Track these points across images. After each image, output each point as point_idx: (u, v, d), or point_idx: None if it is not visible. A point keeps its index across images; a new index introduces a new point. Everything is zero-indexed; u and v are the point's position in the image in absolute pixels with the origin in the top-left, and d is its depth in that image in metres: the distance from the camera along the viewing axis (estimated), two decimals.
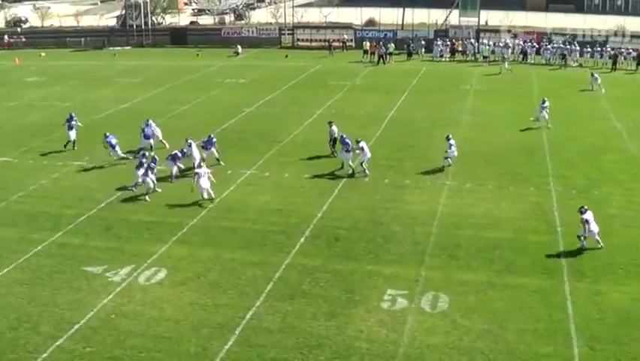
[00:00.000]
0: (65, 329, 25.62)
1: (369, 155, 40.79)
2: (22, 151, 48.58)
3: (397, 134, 49.82)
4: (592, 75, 66.12)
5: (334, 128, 45.57)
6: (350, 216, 34.85)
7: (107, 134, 44.91)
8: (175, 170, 40.96)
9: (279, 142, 48.62)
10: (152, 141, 46.48)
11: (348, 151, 40.87)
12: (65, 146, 47.63)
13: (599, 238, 30.94)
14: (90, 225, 34.94)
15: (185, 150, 41.32)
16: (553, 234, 32.78)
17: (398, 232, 33.26)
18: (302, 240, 32.68)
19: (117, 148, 44.64)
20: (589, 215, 30.93)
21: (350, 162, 41.15)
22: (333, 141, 45.07)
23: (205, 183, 37.13)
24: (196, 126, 50.10)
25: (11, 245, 33.19)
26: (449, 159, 42.03)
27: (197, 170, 38.00)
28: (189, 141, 41.95)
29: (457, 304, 26.41)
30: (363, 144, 40.87)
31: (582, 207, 31.42)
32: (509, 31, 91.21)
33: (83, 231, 34.34)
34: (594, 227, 30.80)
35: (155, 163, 39.50)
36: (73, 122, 48.86)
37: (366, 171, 40.71)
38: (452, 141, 42.14)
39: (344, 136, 41.64)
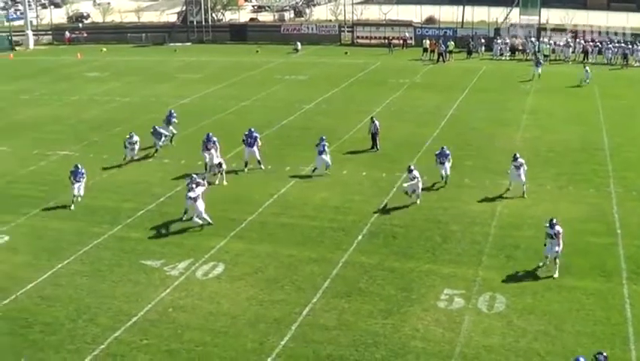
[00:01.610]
0: (123, 321, 25.97)
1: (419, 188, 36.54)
2: (82, 145, 49.25)
3: (456, 133, 49.65)
4: None
5: (377, 123, 45.98)
6: (408, 215, 34.83)
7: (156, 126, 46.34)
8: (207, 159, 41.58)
9: (337, 139, 48.67)
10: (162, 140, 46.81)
11: (442, 163, 38.98)
12: (171, 141, 48.04)
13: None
14: (149, 219, 35.30)
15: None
16: (613, 236, 32.41)
17: (456, 231, 33.17)
18: (359, 237, 32.74)
19: (163, 138, 46.29)
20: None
21: (447, 171, 39.16)
22: (374, 135, 45.87)
23: (201, 205, 33.93)
24: (255, 123, 50.24)
25: (71, 237, 33.69)
26: (408, 192, 36.53)
27: (190, 193, 33.92)
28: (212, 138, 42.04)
29: (514, 306, 26.28)
30: (417, 173, 36.44)
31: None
32: (571, 30, 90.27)
33: (142, 225, 34.72)
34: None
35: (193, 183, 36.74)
36: (173, 119, 49.10)
37: (418, 201, 36.55)
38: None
39: (444, 148, 39.63)
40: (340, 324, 25.41)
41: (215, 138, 42.14)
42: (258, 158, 42.65)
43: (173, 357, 23.73)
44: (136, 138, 44.07)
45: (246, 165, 42.47)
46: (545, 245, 28.81)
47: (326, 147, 41.39)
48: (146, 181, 40.94)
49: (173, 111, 50.17)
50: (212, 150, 41.60)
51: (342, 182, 40.29)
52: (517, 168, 37.05)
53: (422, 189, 36.63)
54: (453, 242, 31.98)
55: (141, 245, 32.36)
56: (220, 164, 39.77)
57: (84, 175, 37.43)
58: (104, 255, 31.67)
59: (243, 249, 31.73)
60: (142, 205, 37.03)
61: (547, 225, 28.62)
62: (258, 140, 42.65)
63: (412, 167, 36.29)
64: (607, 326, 24.92)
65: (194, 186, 33.89)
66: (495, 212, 35.29)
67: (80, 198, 37.13)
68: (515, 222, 34.08)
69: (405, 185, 36.23)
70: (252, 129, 42.87)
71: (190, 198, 33.65)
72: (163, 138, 45.93)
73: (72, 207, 36.53)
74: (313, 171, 41.67)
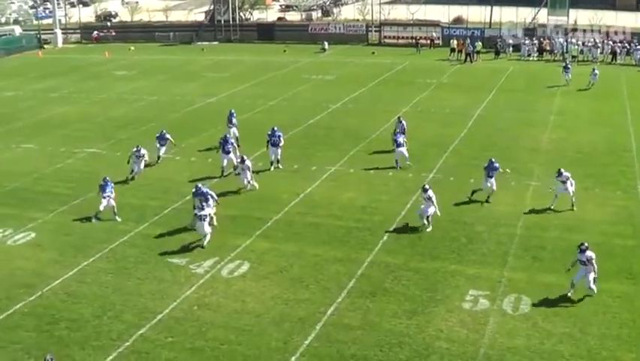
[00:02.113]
0: (148, 319, 26.12)
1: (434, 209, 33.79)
2: (110, 143, 49.53)
3: (483, 134, 49.52)
4: None
5: (403, 123, 45.91)
6: (434, 215, 34.75)
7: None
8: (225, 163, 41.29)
9: (364, 139, 48.67)
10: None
11: (491, 176, 36.56)
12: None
13: None
14: (175, 217, 35.41)
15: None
16: None
17: (482, 232, 33.08)
18: (385, 237, 32.71)
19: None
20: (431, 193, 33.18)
21: (493, 185, 36.75)
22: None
23: (207, 228, 32.39)
24: (282, 122, 50.29)
25: (98, 235, 33.89)
26: (422, 216, 33.91)
27: (199, 211, 32.47)
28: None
29: (540, 307, 26.17)
30: (431, 193, 33.79)
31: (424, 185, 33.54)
32: (599, 30, 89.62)
33: (168, 223, 34.82)
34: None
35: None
36: (234, 119, 48.39)
37: (429, 228, 33.60)
38: (430, 193, 33.58)
39: (492, 160, 36.94)
40: (365, 324, 25.42)
41: (232, 140, 42.14)
42: (278, 157, 42.73)
43: (198, 355, 23.82)
44: (143, 152, 41.69)
45: (271, 165, 42.51)
46: (569, 269, 27.43)
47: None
48: (173, 179, 41.07)
49: (233, 111, 49.46)
50: (232, 155, 41.33)
51: (369, 182, 40.28)
52: (564, 182, 35.48)
53: (446, 191, 36.54)
54: (478, 243, 31.90)
55: (167, 243, 32.48)
56: (243, 159, 38.86)
57: (112, 188, 36.03)
58: (129, 252, 31.83)
59: (269, 248, 31.79)
60: (168, 203, 37.17)
61: (578, 250, 26.94)
62: (282, 139, 42.57)
63: (427, 186, 34.17)
64: (632, 328, 24.78)
65: (203, 204, 32.92)
66: (521, 213, 35.14)
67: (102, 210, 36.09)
68: (541, 223, 33.93)
69: (417, 211, 34.39)
70: (275, 128, 42.90)
71: (197, 216, 32.27)
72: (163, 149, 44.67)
73: (93, 220, 35.74)
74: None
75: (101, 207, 35.49)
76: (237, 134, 47.18)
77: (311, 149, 46.24)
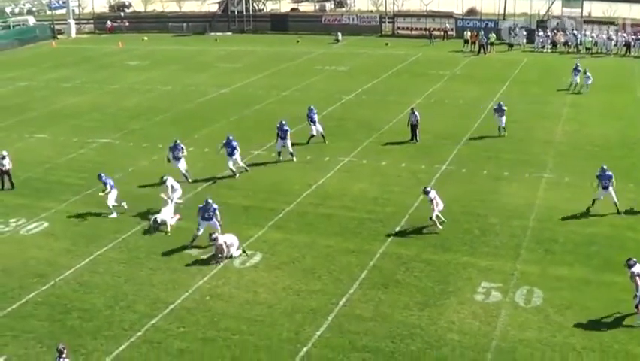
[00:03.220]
0: (160, 309, 26.20)
1: (440, 207, 33.00)
2: (123, 133, 49.59)
3: (497, 126, 49.33)
4: None
5: (417, 114, 45.80)
6: (446, 207, 34.50)
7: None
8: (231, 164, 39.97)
9: (377, 130, 48.64)
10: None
11: (606, 187, 34.31)
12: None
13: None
14: (188, 207, 35.39)
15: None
16: None
17: (495, 224, 33.01)
18: (397, 229, 32.69)
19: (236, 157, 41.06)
20: (435, 194, 32.62)
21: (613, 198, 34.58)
22: (413, 127, 45.81)
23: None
24: (295, 113, 50.27)
25: (110, 225, 34.00)
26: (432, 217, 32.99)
27: (217, 236, 30.27)
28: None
29: (552, 300, 26.11)
30: (434, 193, 33.04)
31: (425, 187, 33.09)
32: (613, 22, 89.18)
33: (181, 213, 34.79)
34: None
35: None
36: (314, 115, 46.43)
37: (438, 226, 32.80)
38: (432, 194, 32.87)
39: (605, 168, 34.85)
40: (376, 315, 25.43)
41: (235, 143, 39.94)
42: (290, 150, 42.57)
43: (209, 345, 23.86)
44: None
45: (279, 156, 42.51)
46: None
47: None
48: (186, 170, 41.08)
49: (313, 107, 47.12)
50: (236, 156, 39.99)
51: (381, 173, 40.25)
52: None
53: (459, 183, 36.48)
54: (491, 235, 31.84)
55: (179, 233, 32.48)
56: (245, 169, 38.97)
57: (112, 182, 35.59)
58: (142, 242, 31.91)
59: (281, 238, 31.81)
60: (181, 194, 37.14)
61: (625, 265, 25.39)
62: (289, 133, 42.43)
63: (428, 188, 33.46)
64: None
65: (218, 225, 31.16)
66: (534, 205, 35.06)
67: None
68: (554, 216, 33.81)
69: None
70: (284, 122, 42.74)
71: (214, 239, 30.08)
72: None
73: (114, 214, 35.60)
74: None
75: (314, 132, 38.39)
76: (316, 132, 46.10)
77: (318, 141, 46.16)
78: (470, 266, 28.89)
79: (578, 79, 60.91)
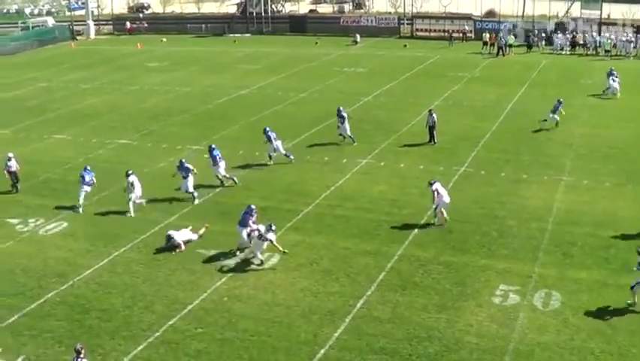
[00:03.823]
0: (178, 309, 26.28)
1: (446, 199, 33.36)
2: (141, 134, 49.77)
3: (515, 128, 49.23)
4: None
5: (434, 116, 45.70)
6: (464, 209, 34.62)
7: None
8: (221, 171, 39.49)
9: (395, 132, 48.59)
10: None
11: None
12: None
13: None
14: (205, 209, 35.48)
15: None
16: None
17: (513, 226, 32.92)
18: (415, 231, 32.65)
19: (277, 143, 42.35)
20: (437, 185, 33.01)
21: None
22: (431, 129, 45.69)
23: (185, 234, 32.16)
24: (313, 114, 50.35)
25: (129, 225, 34.13)
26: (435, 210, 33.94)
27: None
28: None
29: (570, 303, 26.03)
30: (437, 185, 33.38)
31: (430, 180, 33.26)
32: (632, 24, 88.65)
33: (198, 215, 34.88)
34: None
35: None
36: (344, 114, 46.39)
37: (445, 220, 33.53)
38: (435, 185, 33.39)
39: None
40: (394, 317, 25.41)
41: (217, 152, 39.41)
42: (283, 152, 42.61)
43: (227, 346, 23.91)
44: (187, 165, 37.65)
45: (270, 159, 42.79)
46: (634, 269, 26.20)
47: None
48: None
49: (342, 108, 47.18)
50: (221, 167, 39.32)
51: (400, 175, 40.21)
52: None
53: (477, 185, 36.40)
54: (509, 237, 31.76)
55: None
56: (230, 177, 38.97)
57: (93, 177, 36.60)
58: (160, 243, 31.92)
59: (299, 240, 31.82)
60: (199, 195, 37.16)
61: (638, 254, 25.79)
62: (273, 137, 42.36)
63: (433, 181, 33.71)
64: None
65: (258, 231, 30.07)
66: (552, 208, 34.94)
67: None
68: (573, 218, 33.71)
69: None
70: (268, 128, 42.68)
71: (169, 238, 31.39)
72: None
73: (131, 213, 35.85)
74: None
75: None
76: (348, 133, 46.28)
77: (342, 142, 46.15)
78: (488, 269, 28.83)
79: (616, 85, 59.63)
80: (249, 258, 30.05)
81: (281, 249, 29.67)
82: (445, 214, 33.34)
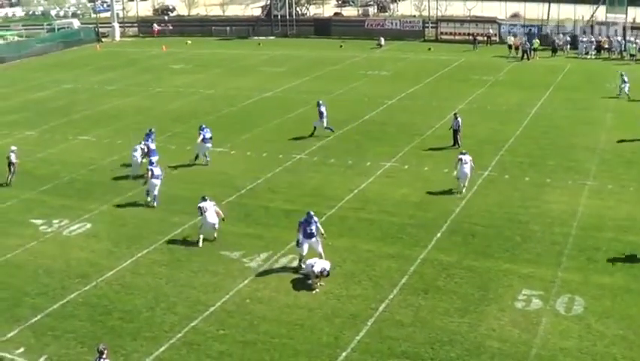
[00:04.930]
0: (201, 311, 26.32)
1: (466, 171, 37.27)
2: (166, 136, 49.86)
3: (540, 132, 49.06)
4: None
5: (459, 119, 45.64)
6: (488, 213, 34.55)
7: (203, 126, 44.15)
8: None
9: (419, 135, 48.53)
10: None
11: None
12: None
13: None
14: (229, 210, 35.49)
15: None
16: None
17: (536, 231, 32.76)
18: (438, 235, 32.56)
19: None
20: (463, 156, 36.90)
21: None
22: (455, 132, 45.64)
23: (212, 217, 31.99)
24: (338, 117, 50.36)
25: (152, 226, 34.23)
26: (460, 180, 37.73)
27: (201, 204, 32.10)
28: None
29: (593, 308, 25.88)
30: (463, 156, 37.42)
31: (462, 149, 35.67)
32: None
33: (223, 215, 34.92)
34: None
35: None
36: (322, 110, 48.18)
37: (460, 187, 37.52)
38: (462, 156, 37.51)
39: None
40: (416, 321, 25.35)
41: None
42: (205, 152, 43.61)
43: (249, 348, 23.93)
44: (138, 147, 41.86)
45: (205, 157, 43.63)
46: None
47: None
48: (227, 173, 41.33)
49: (321, 102, 50.07)
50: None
51: (423, 178, 40.13)
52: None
53: (501, 189, 36.34)
54: (533, 242, 31.60)
55: (220, 236, 32.55)
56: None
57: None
58: (182, 245, 32.05)
59: (322, 243, 31.74)
60: (223, 197, 37.19)
61: None
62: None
63: (464, 151, 38.00)
64: None
65: (320, 246, 29.51)
66: (576, 212, 34.76)
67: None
68: (597, 223, 33.53)
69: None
70: (203, 125, 44.07)
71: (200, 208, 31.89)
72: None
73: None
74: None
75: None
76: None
77: (365, 144, 46.19)
78: (511, 273, 28.70)
79: (626, 88, 59.62)
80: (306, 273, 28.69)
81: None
82: (462, 186, 36.31)
